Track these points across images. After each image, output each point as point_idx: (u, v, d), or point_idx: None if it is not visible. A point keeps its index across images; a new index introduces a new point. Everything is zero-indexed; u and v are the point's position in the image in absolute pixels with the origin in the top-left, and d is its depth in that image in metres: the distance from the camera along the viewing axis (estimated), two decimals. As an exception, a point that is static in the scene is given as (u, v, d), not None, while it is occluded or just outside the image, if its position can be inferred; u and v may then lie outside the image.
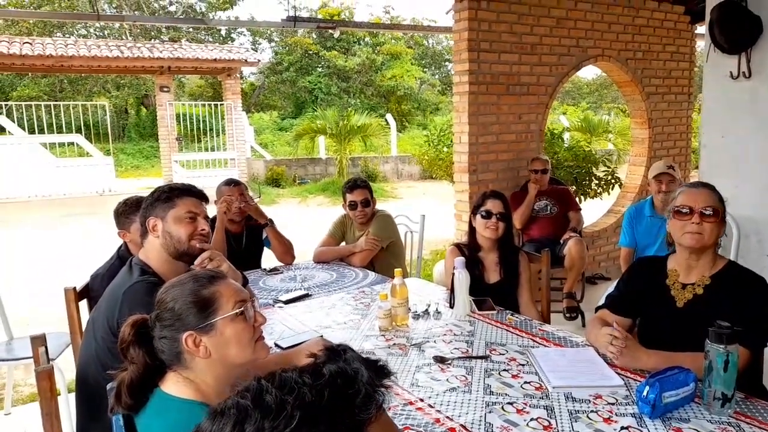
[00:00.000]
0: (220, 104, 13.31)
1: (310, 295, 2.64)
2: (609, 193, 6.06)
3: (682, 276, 1.81)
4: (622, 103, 22.55)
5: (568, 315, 4.26)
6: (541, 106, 5.05)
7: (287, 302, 2.52)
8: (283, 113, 23.27)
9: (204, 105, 13.83)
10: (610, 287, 4.13)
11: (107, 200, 10.66)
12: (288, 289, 2.75)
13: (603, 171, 5.97)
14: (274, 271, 3.16)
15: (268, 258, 3.39)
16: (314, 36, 23.18)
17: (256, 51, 19.92)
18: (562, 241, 4.33)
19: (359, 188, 3.28)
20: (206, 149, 13.51)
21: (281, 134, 20.26)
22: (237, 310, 1.24)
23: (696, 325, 1.72)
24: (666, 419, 1.38)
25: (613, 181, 5.96)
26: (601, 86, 24.91)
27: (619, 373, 1.64)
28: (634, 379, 1.61)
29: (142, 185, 13.68)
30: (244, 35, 24.17)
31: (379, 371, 0.76)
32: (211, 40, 21.84)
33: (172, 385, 1.20)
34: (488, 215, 2.47)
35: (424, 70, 25.20)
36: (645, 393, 1.38)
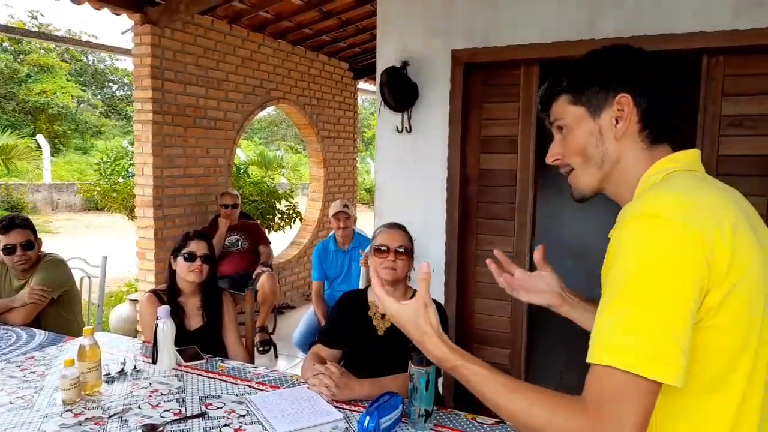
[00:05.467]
0: None
1: (-50, 370, 2.01)
2: (291, 227, 6.43)
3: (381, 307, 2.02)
4: (290, 140, 24.46)
5: (261, 348, 4.29)
6: (228, 141, 5.05)
7: None
8: None
9: None
10: (298, 315, 4.36)
11: None
12: None
13: (285, 205, 6.31)
14: None
15: None
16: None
17: None
18: (254, 276, 4.39)
19: (17, 228, 2.67)
20: None
21: None
22: None
23: (395, 349, 1.95)
24: (384, 444, 1.51)
25: (294, 215, 6.36)
26: (272, 123, 26.42)
27: (336, 407, 1.72)
28: (349, 410, 1.72)
29: None
30: None
31: None
32: None
33: None
34: (191, 258, 2.32)
35: (84, 88, 22.47)
36: (366, 423, 1.48)
